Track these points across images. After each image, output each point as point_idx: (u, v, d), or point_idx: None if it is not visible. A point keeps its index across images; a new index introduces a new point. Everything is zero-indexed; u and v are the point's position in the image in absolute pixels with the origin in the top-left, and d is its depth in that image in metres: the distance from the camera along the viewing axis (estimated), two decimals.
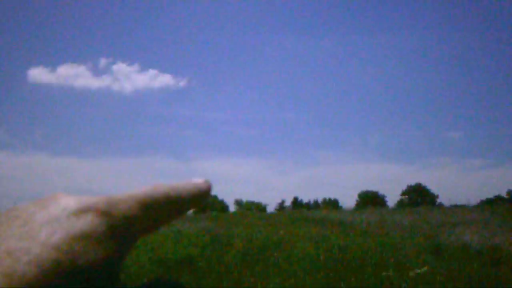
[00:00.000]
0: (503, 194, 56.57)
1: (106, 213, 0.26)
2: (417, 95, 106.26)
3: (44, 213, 0.26)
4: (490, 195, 53.71)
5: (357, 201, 59.15)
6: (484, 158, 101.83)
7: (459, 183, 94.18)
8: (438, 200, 56.02)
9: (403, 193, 60.52)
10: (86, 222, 0.25)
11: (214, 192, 0.32)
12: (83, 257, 0.24)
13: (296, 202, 62.68)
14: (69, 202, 0.27)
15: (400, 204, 54.89)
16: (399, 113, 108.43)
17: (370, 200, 55.56)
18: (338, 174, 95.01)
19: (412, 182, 63.90)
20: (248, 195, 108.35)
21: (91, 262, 0.24)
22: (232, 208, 55.39)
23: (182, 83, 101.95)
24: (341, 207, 44.02)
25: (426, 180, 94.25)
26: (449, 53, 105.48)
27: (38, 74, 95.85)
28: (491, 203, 34.96)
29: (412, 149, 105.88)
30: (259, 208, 51.02)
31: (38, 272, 0.23)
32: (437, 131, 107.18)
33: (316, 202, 63.19)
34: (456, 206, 31.69)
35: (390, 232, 13.36)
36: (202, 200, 0.31)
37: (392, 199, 64.45)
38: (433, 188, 62.41)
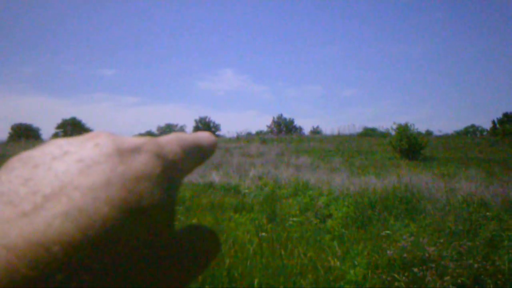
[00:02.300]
0: (154, 129, 64.62)
1: (158, 154, 0.27)
2: None
3: (95, 150, 0.26)
4: (142, 131, 60.49)
5: (10, 133, 58.56)
6: (136, 95, 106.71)
7: (113, 118, 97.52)
8: None
9: (58, 127, 60.73)
10: (142, 162, 0.26)
11: None
12: (147, 198, 0.25)
13: None
14: (116, 140, 0.27)
15: (55, 137, 55.36)
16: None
17: (24, 132, 56.00)
18: None
19: (67, 116, 66.95)
20: None
21: (154, 204, 0.25)
22: None
23: None
24: None
25: (81, 115, 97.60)
26: None
27: None
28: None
29: (67, 83, 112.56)
30: None
31: (110, 209, 0.23)
32: (91, 67, 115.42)
33: None
34: None
35: None
36: (215, 151, 0.35)
37: (47, 132, 65.88)
38: (88, 122, 66.43)
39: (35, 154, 0.26)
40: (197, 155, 0.32)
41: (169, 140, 0.30)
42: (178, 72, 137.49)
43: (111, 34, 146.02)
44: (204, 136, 0.34)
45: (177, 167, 0.29)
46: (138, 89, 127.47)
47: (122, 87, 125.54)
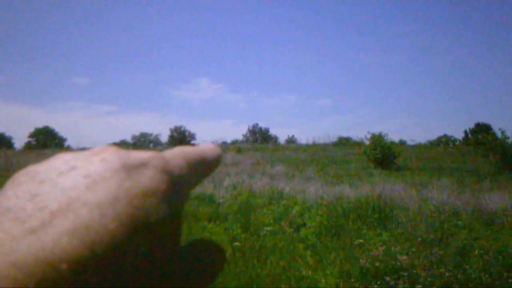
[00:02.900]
0: (128, 138, 64.95)
1: (164, 169, 0.27)
2: None
3: (101, 166, 0.26)
4: (117, 139, 60.56)
5: None
6: (111, 104, 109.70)
7: (87, 127, 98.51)
8: (67, 143, 59.83)
9: (31, 135, 60.51)
10: (149, 178, 0.26)
11: None
12: (153, 214, 0.24)
13: None
14: (122, 155, 0.27)
15: (28, 146, 55.47)
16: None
17: None
18: None
19: (40, 124, 64.91)
20: None
21: (161, 220, 0.25)
22: None
23: None
24: None
25: (54, 123, 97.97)
26: None
27: None
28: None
29: (40, 91, 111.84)
30: None
31: (118, 226, 0.23)
32: (64, 75, 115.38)
33: None
34: (84, 149, 37.97)
35: None
36: (220, 163, 0.34)
37: (19, 141, 66.26)
38: (61, 131, 66.86)
39: (42, 169, 0.26)
40: (202, 168, 0.32)
41: (175, 155, 0.30)
42: (153, 81, 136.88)
43: (85, 42, 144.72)
44: (209, 149, 0.34)
45: (183, 182, 0.29)
46: (113, 97, 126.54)
47: (96, 95, 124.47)
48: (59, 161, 0.27)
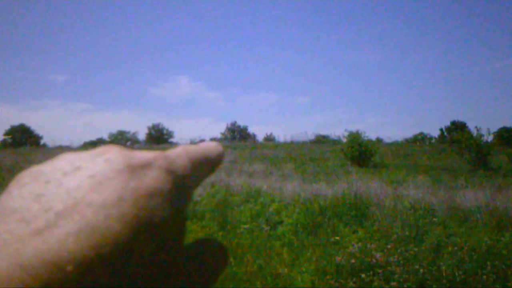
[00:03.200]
0: (105, 136, 63.54)
1: (168, 169, 0.27)
2: None
3: (106, 166, 0.26)
4: (93, 138, 59.27)
5: None
6: (88, 102, 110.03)
7: (63, 125, 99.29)
8: (43, 141, 58.79)
9: (6, 133, 59.83)
10: (153, 178, 0.26)
11: None
12: (158, 214, 0.24)
13: None
14: (127, 155, 0.27)
15: (4, 144, 55.34)
16: None
17: None
18: None
19: (16, 122, 65.74)
20: None
21: (165, 220, 0.25)
22: None
23: None
24: None
25: (30, 121, 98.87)
26: None
27: None
28: (95, 145, 40.25)
29: (16, 89, 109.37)
30: None
31: (123, 227, 0.23)
32: (41, 72, 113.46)
33: None
34: (60, 147, 37.70)
35: None
36: (222, 161, 0.34)
37: None
38: (37, 129, 65.61)
39: (46, 169, 0.26)
40: (205, 167, 0.32)
41: (179, 154, 0.30)
42: (131, 79, 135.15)
43: (62, 39, 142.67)
44: (211, 147, 0.33)
45: (187, 182, 0.28)
46: (90, 95, 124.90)
47: (73, 93, 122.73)
48: (63, 162, 0.27)
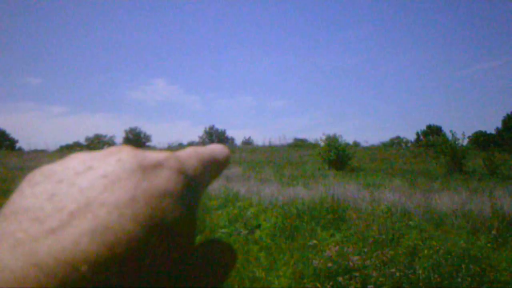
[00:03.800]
0: (82, 140, 63.94)
1: (179, 170, 0.28)
2: None
3: (118, 166, 0.26)
4: (70, 141, 60.12)
5: None
6: (64, 105, 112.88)
7: (39, 128, 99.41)
8: (18, 145, 58.83)
9: None
10: (165, 179, 0.26)
11: None
12: (170, 215, 0.25)
13: None
14: (138, 156, 0.27)
15: None
16: None
17: None
18: None
19: None
20: None
21: (177, 220, 0.25)
22: None
23: None
24: None
25: (6, 124, 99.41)
26: None
27: None
28: (71, 149, 40.38)
29: None
30: None
31: (136, 226, 0.23)
32: (16, 75, 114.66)
33: None
34: (36, 150, 36.65)
35: None
36: (229, 163, 0.35)
37: None
38: (12, 132, 64.28)
39: (58, 168, 0.26)
40: (214, 168, 0.32)
41: (189, 155, 0.30)
42: (107, 81, 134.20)
43: (38, 41, 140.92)
44: (218, 149, 0.34)
45: (197, 183, 0.29)
46: (66, 98, 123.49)
47: (49, 96, 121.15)
48: (75, 161, 0.27)
